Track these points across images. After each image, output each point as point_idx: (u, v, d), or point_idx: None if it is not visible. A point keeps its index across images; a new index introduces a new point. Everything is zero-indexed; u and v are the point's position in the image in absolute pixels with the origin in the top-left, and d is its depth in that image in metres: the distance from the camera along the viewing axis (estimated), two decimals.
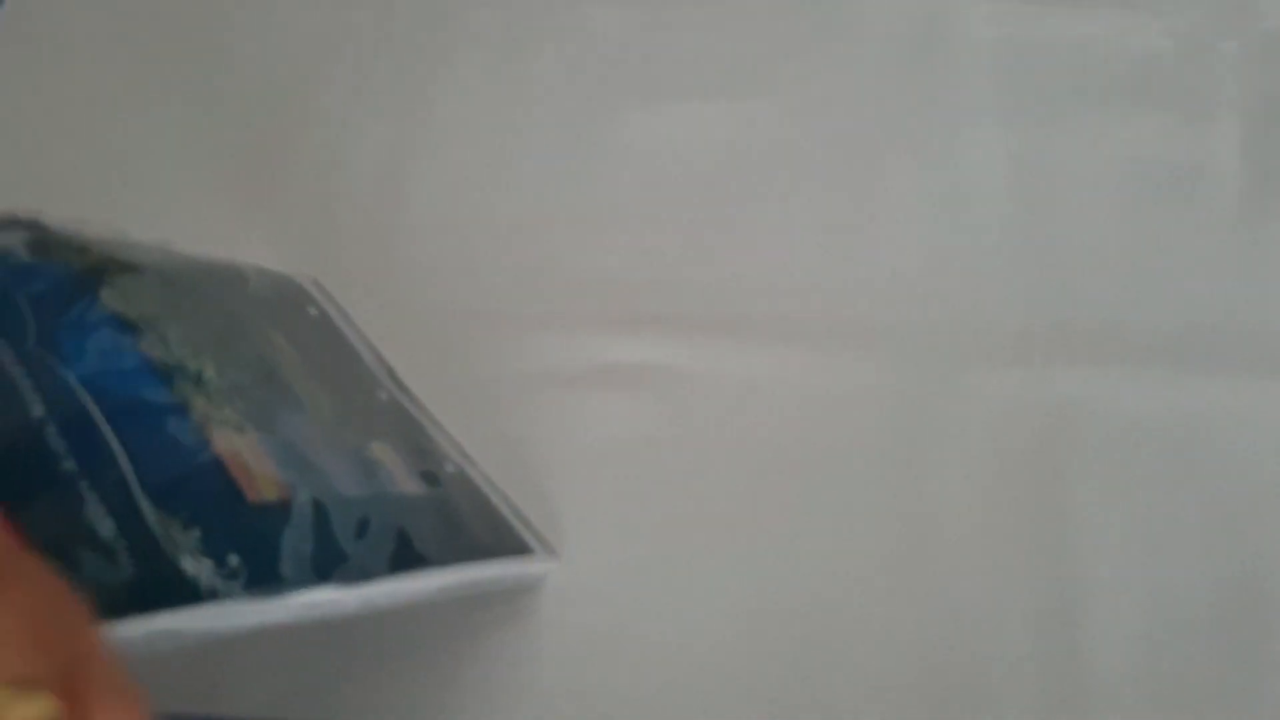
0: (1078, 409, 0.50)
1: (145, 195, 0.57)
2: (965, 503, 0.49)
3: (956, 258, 0.54)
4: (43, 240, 0.42)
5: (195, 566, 0.36)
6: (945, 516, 0.49)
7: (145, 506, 0.36)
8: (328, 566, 0.40)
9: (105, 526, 0.35)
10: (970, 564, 0.48)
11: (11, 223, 0.42)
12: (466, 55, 0.61)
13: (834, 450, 0.51)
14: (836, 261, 0.55)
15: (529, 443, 0.52)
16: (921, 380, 0.52)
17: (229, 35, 0.62)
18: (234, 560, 0.37)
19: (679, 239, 0.56)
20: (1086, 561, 0.48)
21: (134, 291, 0.43)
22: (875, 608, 0.48)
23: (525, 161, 0.58)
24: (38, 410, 0.36)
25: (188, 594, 0.35)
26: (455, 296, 0.55)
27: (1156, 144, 0.55)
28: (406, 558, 0.43)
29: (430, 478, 0.47)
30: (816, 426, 0.51)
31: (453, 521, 0.47)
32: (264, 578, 0.38)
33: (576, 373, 0.53)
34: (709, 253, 0.55)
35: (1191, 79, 0.56)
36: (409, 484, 0.46)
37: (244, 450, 0.41)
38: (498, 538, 0.48)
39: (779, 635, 0.48)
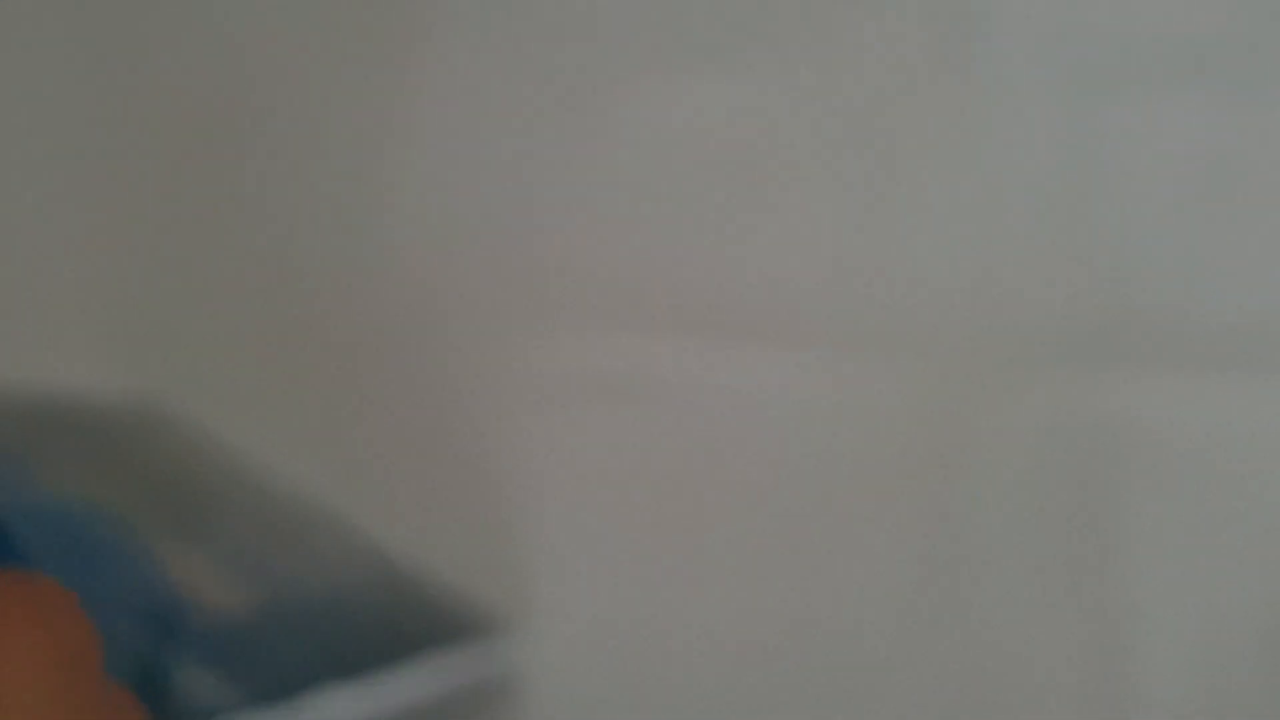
0: (1127, 420, 0.47)
1: None
2: (1002, 525, 0.46)
3: (992, 254, 0.50)
4: None
5: (196, 686, 0.31)
6: (980, 540, 0.46)
7: (125, 631, 0.31)
8: (321, 669, 0.35)
9: None
10: (1007, 591, 0.45)
11: None
12: (447, 29, 0.55)
13: (857, 467, 0.47)
14: (861, 258, 0.50)
15: (522, 451, 0.48)
16: (954, 389, 0.48)
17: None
18: (229, 673, 0.32)
19: (689, 231, 0.51)
20: (1136, 589, 0.45)
21: (9, 429, 0.38)
22: (905, 640, 0.45)
23: (516, 144, 0.53)
24: None
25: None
26: (438, 295, 0.51)
27: (1211, 128, 0.51)
28: (389, 651, 0.38)
29: (375, 569, 0.43)
30: (838, 440, 0.48)
31: (418, 610, 0.42)
32: (268, 689, 0.32)
33: (569, 381, 0.49)
34: (719, 248, 0.51)
35: (1246, 63, 0.52)
36: (357, 578, 0.42)
37: (189, 564, 0.35)
38: (465, 620, 0.44)
39: (799, 667, 0.45)
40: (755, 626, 0.46)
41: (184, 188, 0.54)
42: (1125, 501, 0.46)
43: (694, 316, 0.50)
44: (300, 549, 0.42)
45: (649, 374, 0.49)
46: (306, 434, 0.49)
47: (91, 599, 0.31)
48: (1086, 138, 0.52)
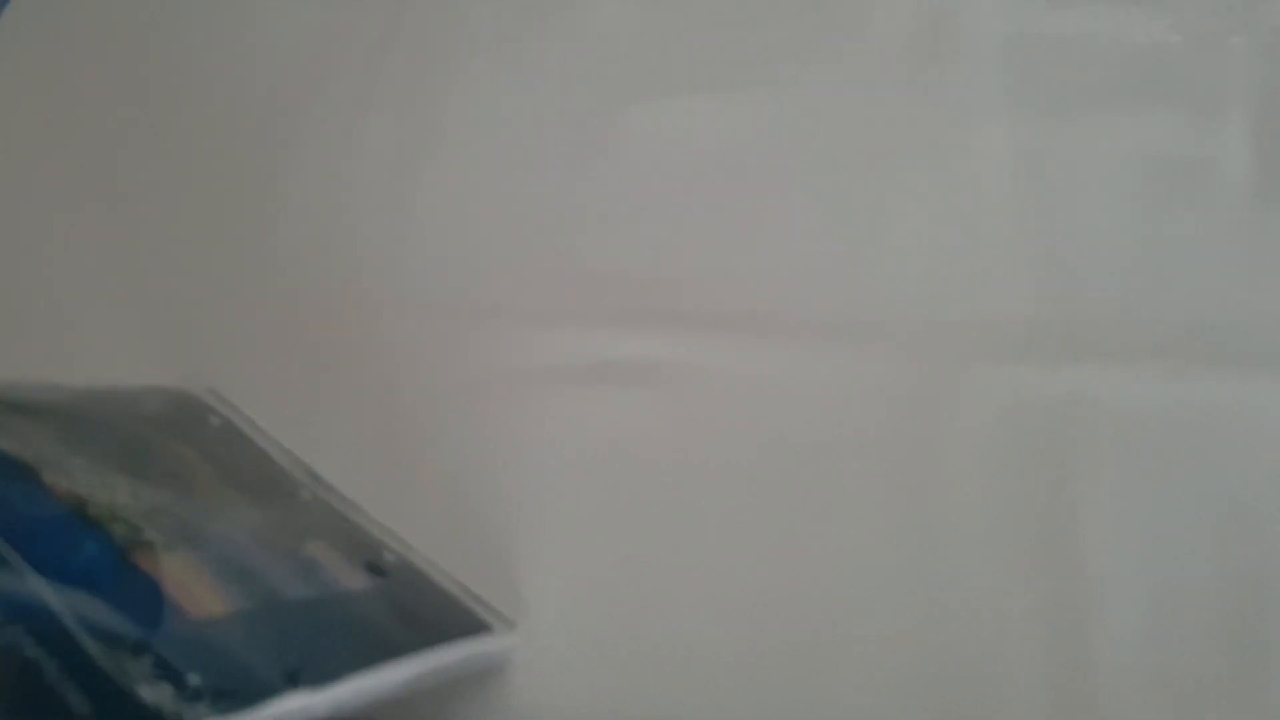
0: (1085, 404, 0.49)
1: None
2: (972, 499, 0.48)
3: (964, 253, 0.53)
4: None
5: (154, 694, 0.33)
6: (952, 513, 0.48)
7: (86, 642, 0.33)
8: (290, 672, 0.37)
9: (49, 669, 0.32)
10: (977, 561, 0.47)
11: None
12: (473, 52, 0.60)
13: (840, 447, 0.49)
14: (843, 257, 0.53)
15: (531, 439, 0.50)
16: (929, 376, 0.50)
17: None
18: (194, 679, 0.34)
19: (685, 234, 0.54)
20: (1094, 557, 0.46)
21: (26, 432, 0.41)
22: (882, 606, 0.47)
23: (531, 157, 0.57)
24: None
25: None
26: (460, 292, 0.54)
27: (1165, 139, 0.54)
28: (368, 653, 0.40)
29: (374, 568, 0.45)
30: (823, 423, 0.50)
31: (406, 610, 0.44)
32: (229, 693, 0.35)
33: (580, 369, 0.52)
34: (714, 248, 0.54)
35: (1200, 74, 0.55)
36: (353, 579, 0.44)
37: (177, 569, 0.38)
38: (454, 619, 0.46)
39: (784, 636, 0.46)
40: (741, 593, 0.47)
41: (223, 216, 0.58)
42: (1081, 476, 0.47)
43: (697, 311, 0.52)
44: (294, 553, 0.44)
45: (660, 359, 0.52)
46: (326, 429, 0.52)
47: (67, 585, 0.34)
48: (1045, 150, 0.54)
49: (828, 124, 0.56)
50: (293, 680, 0.37)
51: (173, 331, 0.55)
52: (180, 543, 0.39)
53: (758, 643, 0.46)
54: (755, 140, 0.56)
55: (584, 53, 0.59)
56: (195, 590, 0.37)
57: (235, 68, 0.61)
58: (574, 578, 0.48)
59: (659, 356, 0.52)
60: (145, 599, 0.36)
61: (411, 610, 0.44)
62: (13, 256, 0.58)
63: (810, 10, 0.59)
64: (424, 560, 0.48)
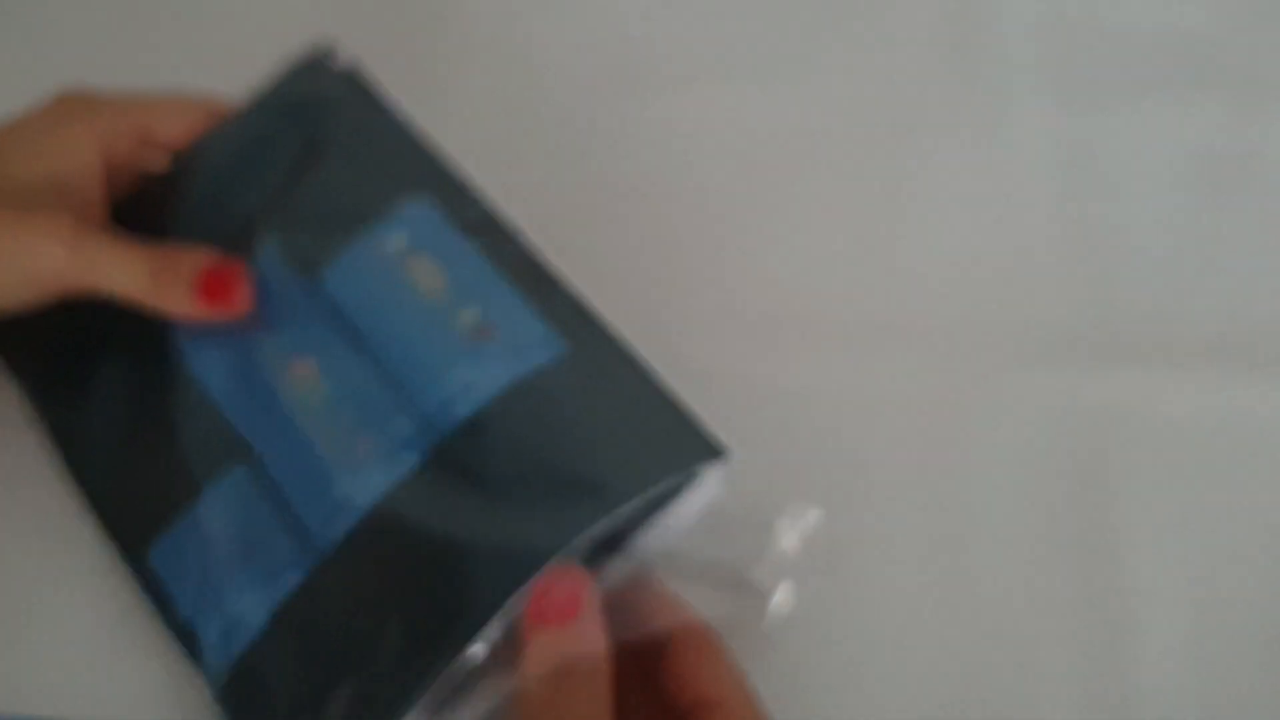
0: (1125, 411, 0.48)
1: None
2: (1007, 509, 0.46)
3: (999, 253, 0.51)
4: None
5: None
6: (986, 523, 0.46)
7: None
8: None
9: None
10: (1012, 573, 0.45)
11: None
12: (481, 35, 0.57)
13: (870, 455, 0.48)
14: (873, 256, 0.51)
15: None
16: (962, 381, 0.49)
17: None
18: None
19: (704, 231, 0.52)
20: (1133, 570, 0.45)
21: None
22: (913, 616, 0.45)
23: (541, 147, 0.54)
24: None
25: None
26: None
27: (1207, 132, 0.53)
28: None
29: None
30: (851, 430, 0.48)
31: None
32: None
33: None
34: (735, 246, 0.52)
35: (1242, 64, 0.55)
36: None
37: None
38: None
39: (807, 645, 0.45)
40: None
41: None
42: (1120, 483, 0.46)
43: (716, 314, 0.50)
44: None
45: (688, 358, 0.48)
46: None
47: None
48: (1081, 142, 0.53)
49: (856, 114, 0.55)
50: None
51: None
52: None
53: (780, 651, 0.44)
54: (778, 131, 0.54)
55: (597, 37, 0.57)
56: None
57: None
58: None
59: (698, 354, 0.49)
60: None
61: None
62: None
63: None
64: None
